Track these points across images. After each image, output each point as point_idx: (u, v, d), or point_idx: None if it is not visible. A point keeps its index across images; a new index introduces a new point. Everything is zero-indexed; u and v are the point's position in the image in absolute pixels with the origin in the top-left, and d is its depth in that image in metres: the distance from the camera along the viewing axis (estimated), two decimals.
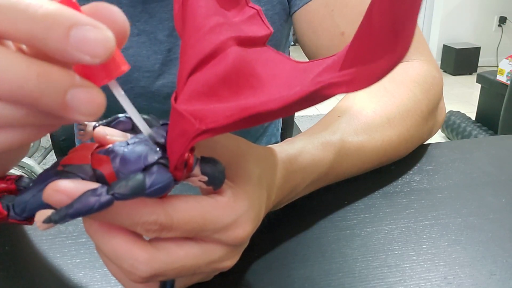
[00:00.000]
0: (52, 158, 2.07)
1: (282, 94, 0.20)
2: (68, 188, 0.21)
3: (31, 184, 0.24)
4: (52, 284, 0.31)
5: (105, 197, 0.20)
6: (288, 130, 0.93)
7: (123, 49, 0.54)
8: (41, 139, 2.06)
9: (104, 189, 0.20)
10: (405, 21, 0.17)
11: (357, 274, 0.31)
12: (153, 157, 0.22)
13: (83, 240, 0.35)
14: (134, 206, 0.22)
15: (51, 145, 0.88)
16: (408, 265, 0.31)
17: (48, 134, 0.88)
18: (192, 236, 0.24)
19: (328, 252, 0.33)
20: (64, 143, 0.86)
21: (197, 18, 0.24)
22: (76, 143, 0.80)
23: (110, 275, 0.31)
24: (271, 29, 0.28)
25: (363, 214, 0.37)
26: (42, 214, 0.21)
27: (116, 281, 0.30)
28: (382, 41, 0.18)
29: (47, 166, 0.24)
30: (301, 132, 0.39)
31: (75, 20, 0.17)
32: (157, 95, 0.58)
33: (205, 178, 0.24)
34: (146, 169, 0.22)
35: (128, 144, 0.23)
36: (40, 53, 0.18)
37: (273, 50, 0.28)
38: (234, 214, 0.24)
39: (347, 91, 0.18)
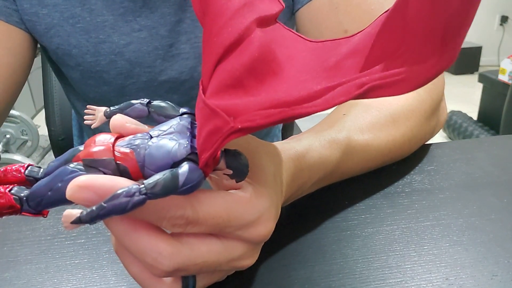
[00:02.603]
0: (50, 158, 2.06)
1: (310, 85, 0.19)
2: (95, 184, 0.20)
3: (40, 174, 0.23)
4: (51, 285, 0.31)
5: (138, 197, 0.20)
6: (288, 130, 0.93)
7: (124, 46, 0.53)
8: (40, 139, 2.06)
9: (136, 188, 0.20)
10: (459, 29, 0.17)
11: (358, 275, 0.30)
12: (182, 153, 0.21)
13: (82, 240, 0.35)
14: (162, 202, 0.21)
15: (50, 145, 0.88)
16: (409, 266, 0.31)
17: (47, 134, 0.88)
18: (215, 232, 0.24)
19: (328, 253, 0.33)
20: (62, 142, 0.85)
21: (219, 1, 0.24)
22: (75, 143, 0.80)
23: (109, 275, 0.31)
24: (283, 4, 0.27)
25: (364, 215, 0.37)
26: (70, 216, 0.20)
27: (115, 282, 0.30)
28: (428, 43, 0.17)
29: (45, 166, 0.23)
30: (301, 131, 0.39)
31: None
32: (160, 89, 0.57)
33: (230, 172, 0.23)
34: (174, 165, 0.21)
35: (151, 137, 0.22)
36: None
37: (284, 27, 0.27)
38: (257, 211, 0.24)
39: (392, 95, 0.18)
